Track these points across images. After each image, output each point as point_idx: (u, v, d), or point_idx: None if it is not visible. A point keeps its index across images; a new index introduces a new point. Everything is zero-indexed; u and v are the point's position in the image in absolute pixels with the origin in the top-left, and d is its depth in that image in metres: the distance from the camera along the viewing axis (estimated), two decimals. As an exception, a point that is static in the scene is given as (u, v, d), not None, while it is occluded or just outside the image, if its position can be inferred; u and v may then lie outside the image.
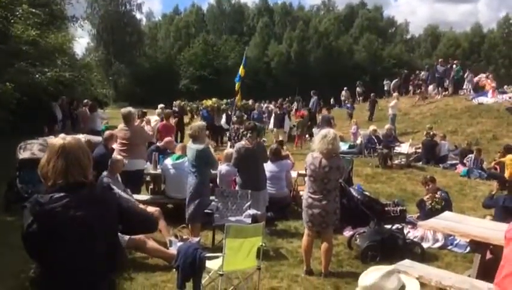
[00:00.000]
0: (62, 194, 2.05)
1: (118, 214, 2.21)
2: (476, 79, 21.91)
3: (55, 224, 2.02)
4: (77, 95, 18.51)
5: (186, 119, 16.13)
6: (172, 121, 12.00)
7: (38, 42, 12.89)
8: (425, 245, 6.33)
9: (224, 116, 16.36)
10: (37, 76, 12.69)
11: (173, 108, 16.22)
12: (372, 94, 22.52)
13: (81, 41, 62.58)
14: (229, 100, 18.51)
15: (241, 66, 12.45)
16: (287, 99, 25.32)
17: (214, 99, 18.25)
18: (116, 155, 6.68)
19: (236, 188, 6.71)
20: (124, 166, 6.40)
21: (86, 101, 15.97)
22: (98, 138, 8.29)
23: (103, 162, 6.21)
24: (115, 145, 7.27)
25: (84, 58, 29.89)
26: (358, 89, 29.12)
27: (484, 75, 22.46)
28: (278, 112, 16.31)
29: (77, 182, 2.11)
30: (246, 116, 15.25)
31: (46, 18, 14.34)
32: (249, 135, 6.65)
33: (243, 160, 6.46)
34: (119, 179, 6.23)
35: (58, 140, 2.18)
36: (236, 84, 12.55)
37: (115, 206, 2.20)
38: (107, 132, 7.75)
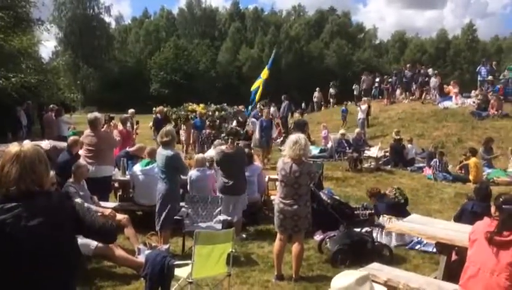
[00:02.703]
0: (13, 204, 1.97)
1: (75, 222, 2.14)
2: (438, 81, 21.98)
3: (6, 236, 1.93)
4: (43, 99, 18.04)
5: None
6: (133, 127, 11.63)
7: (2, 46, 12.54)
8: (394, 243, 6.48)
9: (234, 122, 15.00)
10: (0, 81, 12.31)
11: (155, 115, 14.68)
12: (367, 98, 20.61)
13: (48, 44, 61.24)
14: (218, 106, 17.73)
15: (266, 68, 11.58)
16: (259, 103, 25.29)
17: (201, 105, 17.28)
18: (81, 161, 6.50)
19: (217, 193, 6.70)
20: (88, 172, 6.24)
21: (52, 106, 15.53)
22: (64, 144, 8.05)
23: (67, 168, 6.03)
24: (81, 152, 7.08)
25: (51, 62, 29.16)
26: (331, 90, 27.77)
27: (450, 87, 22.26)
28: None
29: (30, 191, 2.03)
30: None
31: (10, 21, 13.96)
32: (230, 139, 6.74)
33: (223, 165, 6.56)
34: (85, 186, 6.06)
35: (15, 146, 2.12)
36: (258, 82, 11.63)
37: (72, 215, 2.14)
38: (71, 138, 7.51)
